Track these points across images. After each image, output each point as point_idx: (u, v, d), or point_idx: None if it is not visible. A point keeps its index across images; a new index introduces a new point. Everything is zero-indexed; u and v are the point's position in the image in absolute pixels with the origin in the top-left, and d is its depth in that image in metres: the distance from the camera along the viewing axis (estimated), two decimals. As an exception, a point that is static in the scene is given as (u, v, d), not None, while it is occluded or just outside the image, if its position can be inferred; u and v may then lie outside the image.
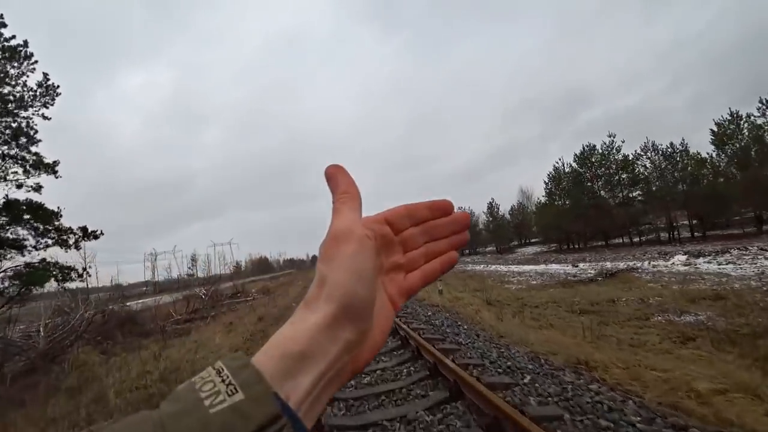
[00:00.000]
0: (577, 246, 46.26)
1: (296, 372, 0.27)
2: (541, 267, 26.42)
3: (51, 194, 11.31)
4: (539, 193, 61.92)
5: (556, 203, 47.33)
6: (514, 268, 28.53)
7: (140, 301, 24.30)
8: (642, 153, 39.10)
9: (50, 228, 10.95)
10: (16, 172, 10.92)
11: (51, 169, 11.35)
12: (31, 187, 10.99)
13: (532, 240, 63.61)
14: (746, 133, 31.37)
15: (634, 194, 40.16)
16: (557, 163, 48.39)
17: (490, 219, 65.23)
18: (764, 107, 30.11)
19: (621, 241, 41.96)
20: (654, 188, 37.77)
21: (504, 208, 66.21)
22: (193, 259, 77.72)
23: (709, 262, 17.13)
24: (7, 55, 10.82)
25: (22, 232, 10.64)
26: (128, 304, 18.10)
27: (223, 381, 0.25)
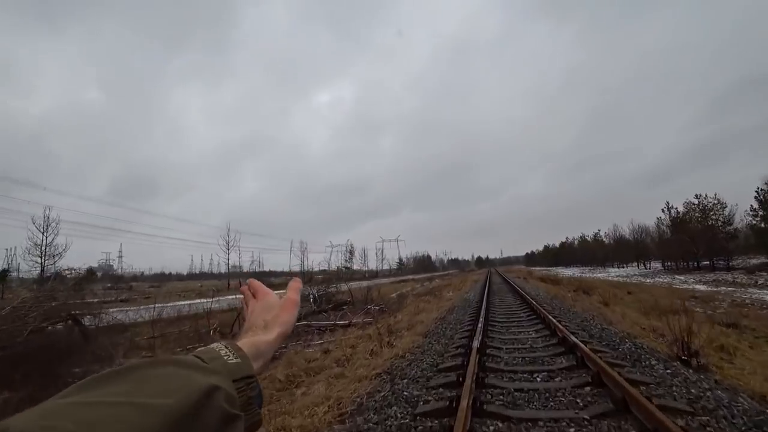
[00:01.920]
0: None
1: (258, 358, 0.53)
2: None
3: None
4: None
5: None
6: None
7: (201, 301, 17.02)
8: None
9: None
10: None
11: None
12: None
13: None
14: None
15: None
16: None
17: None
18: None
19: None
20: None
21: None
22: (350, 252, 79.88)
23: None
24: None
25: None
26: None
27: (228, 351, 0.48)
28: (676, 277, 38.38)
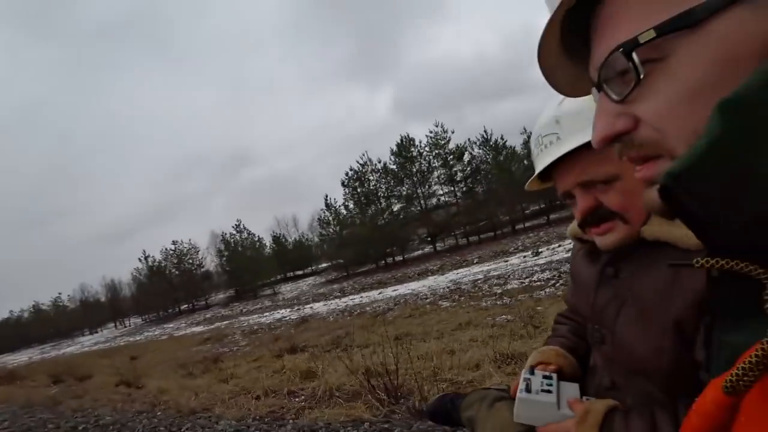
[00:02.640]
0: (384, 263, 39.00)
1: None
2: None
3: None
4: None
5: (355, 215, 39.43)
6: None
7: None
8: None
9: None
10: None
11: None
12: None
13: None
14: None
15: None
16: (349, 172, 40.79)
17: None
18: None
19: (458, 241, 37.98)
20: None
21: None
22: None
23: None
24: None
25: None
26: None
27: None
28: (165, 326, 34.68)
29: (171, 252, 52.24)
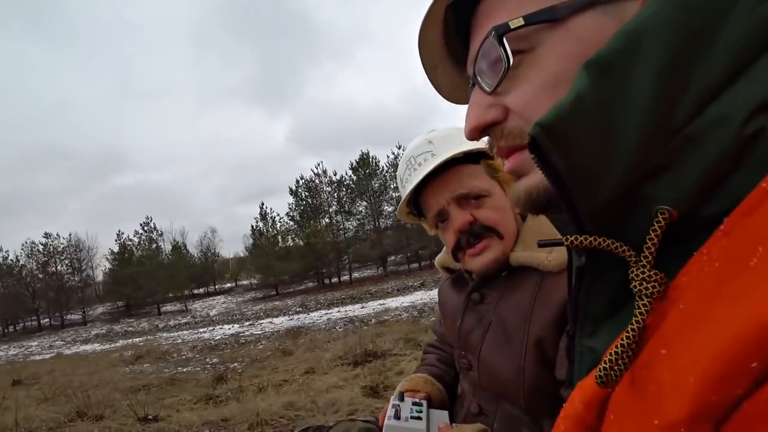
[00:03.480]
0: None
1: None
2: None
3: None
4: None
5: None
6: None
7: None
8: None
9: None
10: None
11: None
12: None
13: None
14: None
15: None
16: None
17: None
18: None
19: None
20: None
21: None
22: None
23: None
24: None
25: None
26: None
27: None
28: (25, 344, 26.00)
29: (38, 249, 40.85)
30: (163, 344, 14.71)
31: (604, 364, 0.29)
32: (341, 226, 35.46)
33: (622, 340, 0.28)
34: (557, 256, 0.77)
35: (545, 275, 0.78)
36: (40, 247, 40.63)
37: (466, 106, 0.40)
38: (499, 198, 0.83)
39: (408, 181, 0.87)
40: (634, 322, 0.28)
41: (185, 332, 18.87)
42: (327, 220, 36.14)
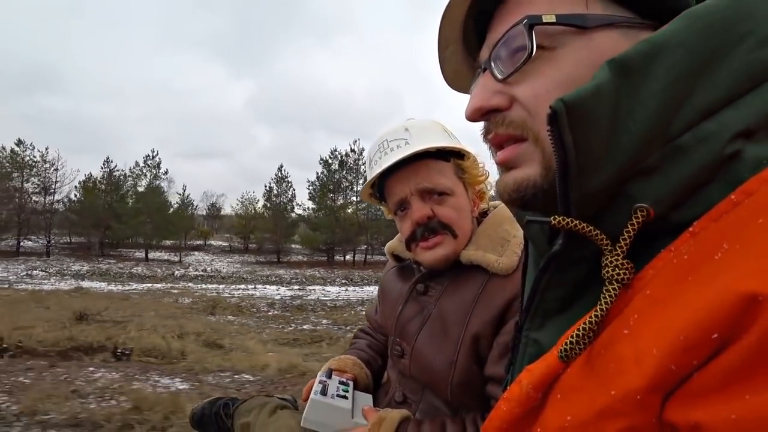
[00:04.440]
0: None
1: None
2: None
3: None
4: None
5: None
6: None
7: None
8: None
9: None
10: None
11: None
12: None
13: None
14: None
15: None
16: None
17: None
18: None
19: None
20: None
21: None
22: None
23: None
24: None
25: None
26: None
27: None
28: None
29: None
30: (225, 297, 11.53)
31: (570, 339, 0.31)
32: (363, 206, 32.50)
33: (590, 318, 0.31)
34: (506, 261, 0.81)
35: (491, 276, 0.81)
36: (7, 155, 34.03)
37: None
38: (461, 198, 0.86)
39: (377, 164, 0.86)
40: (603, 304, 0.31)
41: (217, 286, 15.61)
42: (345, 198, 33.45)
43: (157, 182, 35.00)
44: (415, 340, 0.87)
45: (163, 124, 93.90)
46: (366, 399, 0.93)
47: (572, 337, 0.31)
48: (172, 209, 34.99)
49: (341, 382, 0.92)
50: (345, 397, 0.86)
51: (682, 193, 0.30)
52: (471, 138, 0.63)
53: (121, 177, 35.18)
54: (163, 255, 31.84)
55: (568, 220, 0.32)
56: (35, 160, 34.48)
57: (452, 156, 0.85)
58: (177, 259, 30.24)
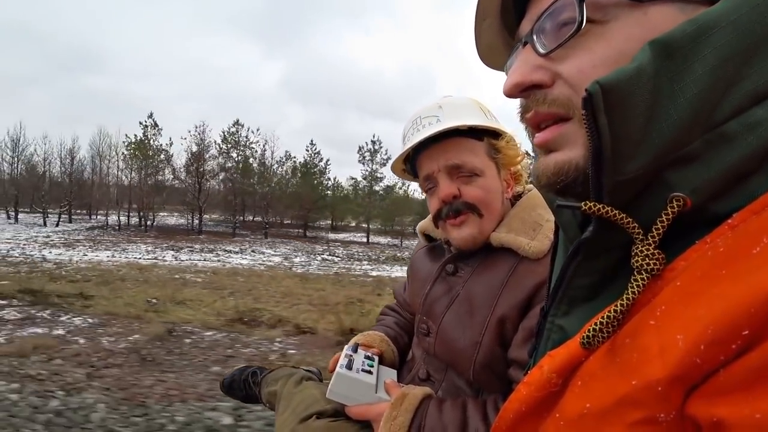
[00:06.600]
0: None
1: None
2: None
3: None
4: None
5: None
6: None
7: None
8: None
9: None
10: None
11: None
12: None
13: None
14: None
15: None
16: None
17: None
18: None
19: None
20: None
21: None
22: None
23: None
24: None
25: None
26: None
27: None
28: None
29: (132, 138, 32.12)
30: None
31: (593, 326, 0.30)
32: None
33: (615, 307, 0.30)
34: (537, 245, 0.80)
35: (522, 260, 0.81)
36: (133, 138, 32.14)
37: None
38: (491, 179, 0.85)
39: (408, 140, 0.87)
40: (630, 294, 0.30)
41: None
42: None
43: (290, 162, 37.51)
44: (441, 320, 0.87)
45: (198, 101, 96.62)
46: (390, 374, 0.94)
47: (596, 324, 0.30)
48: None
49: (367, 357, 0.93)
50: (370, 372, 0.87)
51: (724, 183, 0.29)
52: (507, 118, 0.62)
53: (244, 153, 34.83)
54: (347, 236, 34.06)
55: (600, 206, 0.31)
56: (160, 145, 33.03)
57: (486, 135, 0.84)
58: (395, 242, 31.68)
